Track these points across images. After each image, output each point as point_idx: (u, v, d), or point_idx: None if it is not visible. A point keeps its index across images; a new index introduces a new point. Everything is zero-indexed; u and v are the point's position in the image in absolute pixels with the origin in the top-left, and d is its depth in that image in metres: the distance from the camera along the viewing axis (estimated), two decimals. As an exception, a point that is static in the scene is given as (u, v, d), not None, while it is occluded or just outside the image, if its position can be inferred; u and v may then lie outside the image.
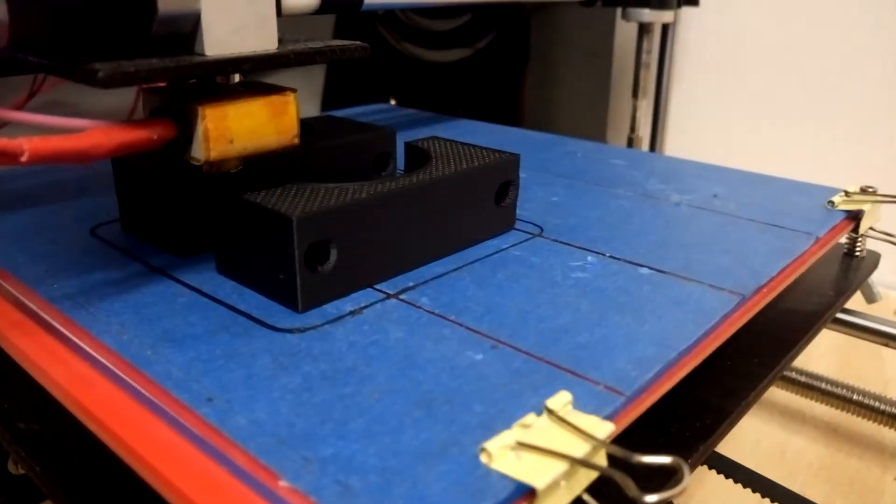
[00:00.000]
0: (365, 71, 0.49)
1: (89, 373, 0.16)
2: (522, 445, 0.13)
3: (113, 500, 0.16)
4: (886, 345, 0.27)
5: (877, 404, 0.26)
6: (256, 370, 0.16)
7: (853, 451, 0.28)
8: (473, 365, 0.16)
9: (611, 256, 0.22)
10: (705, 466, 0.21)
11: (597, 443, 0.13)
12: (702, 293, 0.20)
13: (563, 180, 0.29)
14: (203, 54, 0.17)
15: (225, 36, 0.18)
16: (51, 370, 0.16)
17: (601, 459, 0.14)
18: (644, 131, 0.52)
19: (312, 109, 0.45)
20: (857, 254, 0.28)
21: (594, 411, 0.14)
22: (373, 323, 0.18)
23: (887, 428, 0.26)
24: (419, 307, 0.18)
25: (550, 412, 0.14)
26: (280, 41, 0.19)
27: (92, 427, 0.15)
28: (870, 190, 0.27)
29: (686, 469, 0.13)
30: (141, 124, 0.17)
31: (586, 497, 0.13)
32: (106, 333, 0.17)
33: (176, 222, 0.21)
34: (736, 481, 0.20)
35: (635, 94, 0.51)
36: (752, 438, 0.28)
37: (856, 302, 0.29)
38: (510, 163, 0.23)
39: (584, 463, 0.13)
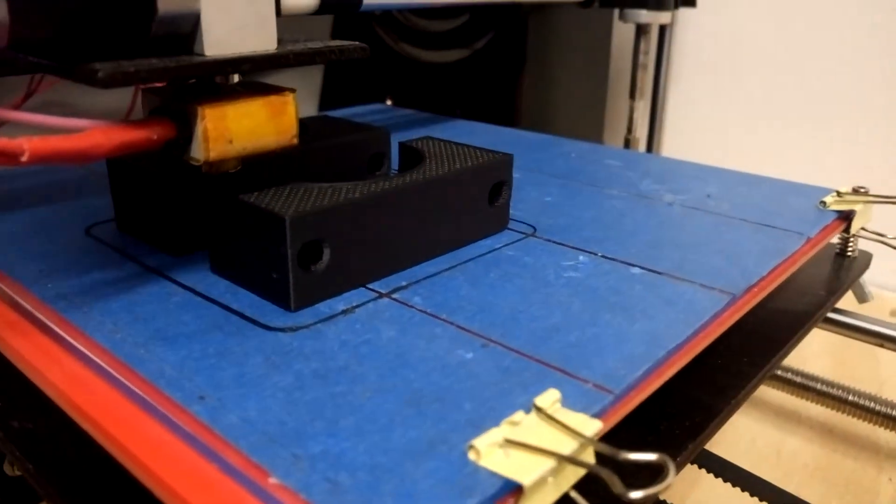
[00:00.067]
0: (363, 71, 0.49)
1: (82, 371, 0.16)
2: (511, 443, 0.13)
3: (107, 498, 0.16)
4: (881, 345, 0.27)
5: (872, 405, 0.26)
6: (248, 369, 0.16)
7: (848, 451, 0.28)
8: (464, 363, 0.16)
9: (603, 256, 0.22)
10: (701, 468, 0.21)
11: (584, 440, 0.13)
12: (693, 292, 0.20)
13: (558, 180, 0.29)
14: (203, 54, 0.17)
15: (224, 36, 0.18)
16: (44, 369, 0.16)
17: (589, 457, 0.14)
18: (641, 132, 0.53)
19: (310, 109, 0.46)
20: (849, 254, 0.28)
21: (583, 409, 0.14)
22: (365, 322, 0.18)
23: (882, 429, 0.26)
24: (411, 306, 0.19)
25: (539, 410, 0.14)
26: (279, 41, 0.19)
27: (84, 425, 0.15)
28: (861, 190, 0.27)
29: (672, 466, 0.13)
30: (140, 124, 0.17)
31: (574, 494, 0.14)
32: (99, 332, 0.17)
33: (170, 222, 0.21)
34: (730, 482, 0.20)
35: (632, 95, 0.51)
36: (747, 439, 0.29)
37: (851, 303, 0.29)
38: (503, 163, 0.23)
39: (572, 460, 0.13)
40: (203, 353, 0.16)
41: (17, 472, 0.20)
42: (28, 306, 0.18)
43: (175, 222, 0.21)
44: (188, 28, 0.17)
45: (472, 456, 0.13)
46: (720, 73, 0.56)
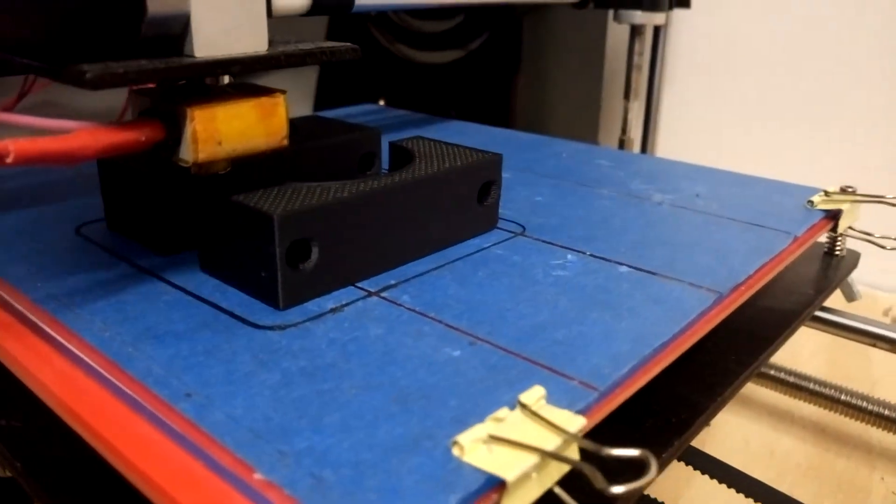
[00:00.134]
0: (358, 72, 0.49)
1: (71, 370, 0.16)
2: (494, 439, 0.13)
3: (95, 496, 0.16)
4: (874, 345, 0.27)
5: (864, 404, 0.26)
6: (236, 366, 0.16)
7: (841, 450, 0.28)
8: (451, 361, 0.16)
9: (591, 255, 0.22)
10: (696, 469, 0.21)
11: (568, 436, 0.14)
12: (680, 291, 0.20)
13: (548, 180, 0.30)
14: (193, 56, 0.17)
15: (215, 37, 0.18)
16: (33, 368, 0.16)
17: (573, 453, 0.14)
18: (635, 133, 0.53)
19: (305, 110, 0.46)
20: (837, 253, 0.28)
21: (567, 406, 0.14)
22: (353, 320, 0.18)
23: (875, 428, 0.26)
24: (400, 305, 0.19)
25: (524, 406, 0.14)
26: (270, 43, 0.19)
27: (72, 423, 0.15)
28: (849, 190, 0.27)
29: (653, 461, 0.13)
30: (129, 126, 0.17)
31: (558, 490, 0.14)
32: (88, 331, 0.17)
33: (160, 221, 0.21)
34: (723, 482, 0.21)
35: (627, 96, 0.51)
36: (740, 438, 0.29)
37: (844, 304, 0.29)
38: (492, 162, 0.23)
39: (555, 456, 0.13)
40: (191, 351, 0.16)
41: (8, 474, 0.20)
42: (17, 305, 0.18)
43: (165, 222, 0.21)
44: (178, 29, 0.17)
45: (455, 452, 0.13)
46: (714, 74, 0.56)
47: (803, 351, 0.35)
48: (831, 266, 0.28)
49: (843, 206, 0.26)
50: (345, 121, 0.27)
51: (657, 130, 0.59)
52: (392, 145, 0.24)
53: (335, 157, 0.25)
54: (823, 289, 0.27)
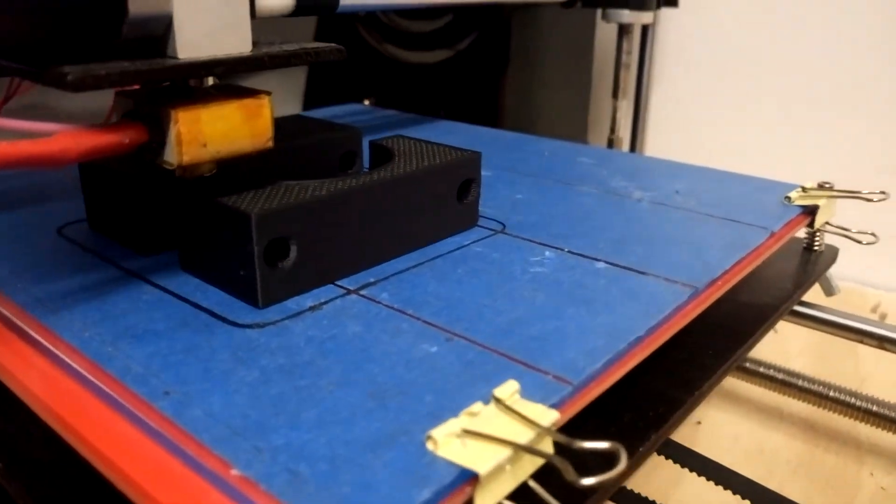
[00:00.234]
0: (347, 72, 0.49)
1: (50, 369, 0.16)
2: (468, 433, 0.14)
3: (76, 496, 0.16)
4: (861, 341, 0.28)
5: (853, 401, 0.27)
6: (215, 364, 0.16)
7: (830, 447, 0.28)
8: (428, 357, 0.16)
9: (570, 252, 0.22)
10: (685, 467, 0.22)
11: (541, 430, 0.14)
12: (656, 286, 0.20)
13: (529, 178, 0.30)
14: (176, 57, 0.17)
15: (198, 38, 0.18)
16: (12, 367, 0.16)
17: (547, 447, 0.14)
18: (624, 132, 0.53)
19: (294, 111, 0.46)
20: (816, 248, 0.29)
21: (541, 400, 0.15)
22: (332, 318, 0.18)
23: (863, 424, 0.26)
24: (378, 302, 0.19)
25: (498, 401, 0.14)
26: (255, 44, 0.19)
27: (50, 422, 0.15)
28: (826, 186, 0.28)
29: (623, 453, 0.13)
30: (112, 128, 0.17)
31: (532, 484, 0.14)
32: (67, 331, 0.17)
33: (141, 222, 0.21)
34: (713, 480, 0.21)
35: (615, 95, 0.52)
36: (730, 437, 0.29)
37: (835, 302, 0.29)
38: (471, 161, 0.23)
39: (528, 449, 0.13)
40: (171, 349, 0.16)
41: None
42: (-3, 306, 0.18)
43: (146, 222, 0.21)
44: (160, 30, 0.17)
45: (430, 446, 0.13)
46: (703, 73, 0.57)
47: (792, 348, 0.36)
48: (810, 261, 0.29)
49: (820, 202, 0.27)
50: (327, 120, 0.27)
51: (646, 129, 0.59)
52: (372, 144, 0.24)
53: (316, 157, 0.25)
54: (802, 283, 0.27)
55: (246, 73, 0.19)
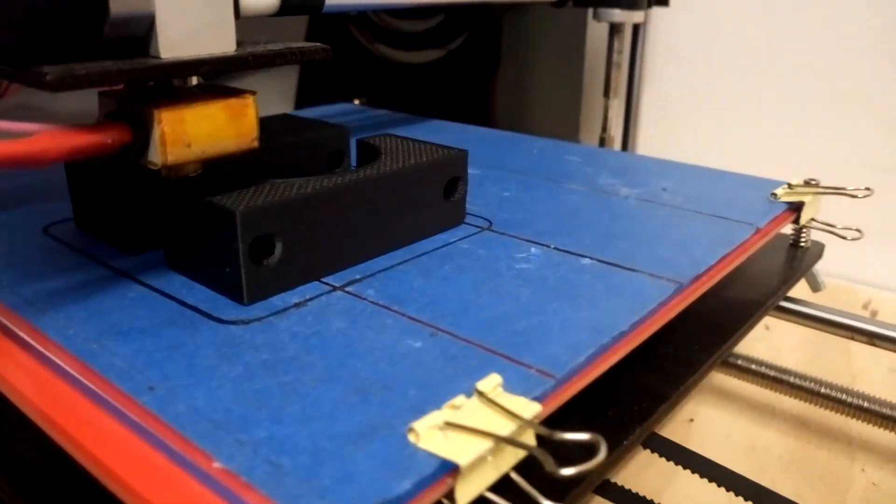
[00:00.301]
0: (339, 72, 0.49)
1: (34, 366, 0.16)
2: (450, 425, 0.14)
3: (62, 491, 0.16)
4: (852, 338, 0.28)
5: (844, 397, 0.27)
6: (199, 360, 0.16)
7: (822, 443, 0.28)
8: (412, 352, 0.16)
9: (556, 248, 0.22)
10: (677, 465, 0.22)
11: (523, 422, 0.14)
12: (640, 281, 0.20)
13: (517, 176, 0.30)
14: (158, 57, 0.17)
15: (181, 38, 0.17)
16: (-3, 364, 0.16)
17: (529, 439, 0.14)
18: (616, 131, 0.53)
19: (285, 111, 0.46)
20: (802, 244, 0.29)
21: (524, 393, 0.15)
22: (317, 314, 0.18)
23: (855, 420, 0.26)
24: (364, 299, 0.19)
25: (480, 394, 0.15)
26: (239, 43, 0.19)
27: (34, 418, 0.15)
28: (812, 182, 0.28)
29: (603, 444, 0.13)
30: (94, 128, 0.17)
31: (514, 476, 0.14)
32: (52, 328, 0.17)
33: (127, 220, 0.21)
34: (705, 477, 0.21)
35: (607, 94, 0.52)
36: (722, 434, 0.29)
37: (826, 299, 0.29)
38: (458, 158, 0.23)
39: (509, 441, 0.13)
40: (156, 346, 0.17)
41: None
42: (-19, 304, 0.18)
43: (133, 221, 0.21)
44: (143, 30, 0.17)
45: (411, 438, 0.13)
46: (694, 72, 0.57)
47: (784, 345, 0.36)
48: (796, 258, 0.29)
49: (806, 199, 0.27)
50: (314, 119, 0.28)
51: (638, 128, 0.60)
52: (359, 143, 0.24)
53: (303, 155, 0.25)
54: (788, 279, 0.27)
55: (231, 72, 0.19)
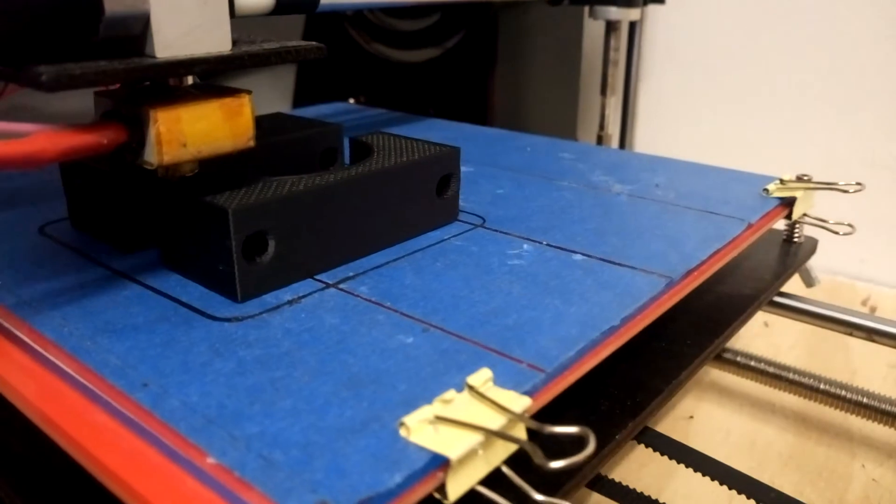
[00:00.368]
0: (336, 71, 0.49)
1: (29, 364, 0.16)
2: (441, 419, 0.14)
3: (57, 487, 0.16)
4: (850, 334, 0.28)
5: (844, 393, 0.27)
6: (193, 357, 0.16)
7: (822, 439, 0.29)
8: (403, 347, 0.17)
9: (548, 244, 0.22)
10: (680, 463, 0.22)
11: (513, 416, 0.14)
12: (631, 277, 0.20)
13: (510, 174, 0.30)
14: (154, 56, 0.17)
15: (176, 37, 0.17)
16: (-8, 362, 0.16)
17: (520, 433, 0.14)
18: (613, 128, 0.53)
19: (283, 110, 0.46)
20: (795, 240, 0.29)
21: (514, 387, 0.15)
22: (310, 311, 0.18)
23: (854, 416, 0.26)
24: (357, 295, 0.19)
25: (471, 388, 0.15)
26: (235, 43, 0.19)
27: (28, 414, 0.15)
28: (805, 178, 0.28)
29: (592, 437, 0.13)
30: (90, 128, 0.17)
31: (505, 469, 0.14)
32: (47, 326, 0.17)
33: (122, 219, 0.22)
34: (706, 474, 0.21)
35: (604, 92, 0.52)
36: (722, 430, 0.29)
37: (825, 294, 0.29)
38: (450, 156, 0.23)
39: (500, 435, 0.14)
40: (149, 343, 0.17)
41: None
42: (-23, 303, 0.19)
43: (127, 220, 0.21)
44: (138, 29, 0.17)
45: (402, 432, 0.14)
46: (691, 69, 0.57)
47: (783, 342, 0.36)
48: (790, 253, 0.29)
49: (797, 194, 0.27)
50: (308, 118, 0.28)
51: (635, 125, 0.60)
52: (352, 140, 0.24)
53: (296, 153, 0.25)
54: (781, 275, 0.28)
55: (227, 72, 0.19)
